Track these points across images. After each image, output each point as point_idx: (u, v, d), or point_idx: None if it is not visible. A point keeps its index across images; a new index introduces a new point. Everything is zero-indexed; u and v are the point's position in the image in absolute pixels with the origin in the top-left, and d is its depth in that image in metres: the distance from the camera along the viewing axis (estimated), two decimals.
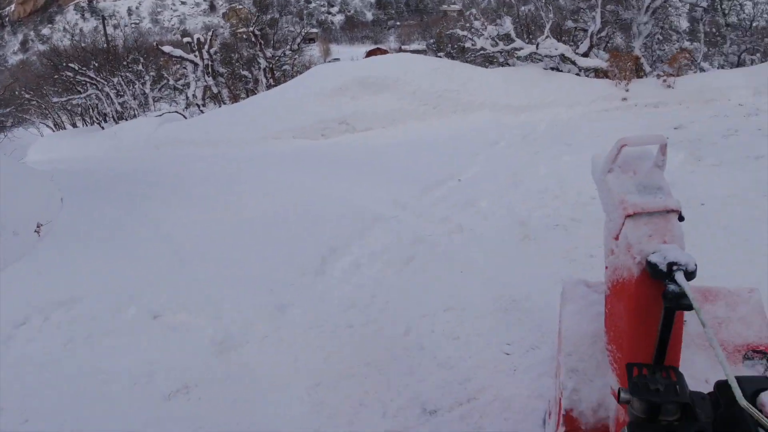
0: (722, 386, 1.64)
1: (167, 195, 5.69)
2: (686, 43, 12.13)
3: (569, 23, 11.83)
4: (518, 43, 10.37)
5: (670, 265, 1.64)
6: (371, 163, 6.75)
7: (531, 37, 11.95)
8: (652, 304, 1.91)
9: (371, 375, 3.02)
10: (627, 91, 9.71)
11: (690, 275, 1.65)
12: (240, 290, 3.86)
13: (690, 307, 1.59)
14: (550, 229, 4.74)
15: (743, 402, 1.28)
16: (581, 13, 11.73)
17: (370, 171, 6.40)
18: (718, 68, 12.20)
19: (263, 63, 17.55)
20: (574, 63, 10.44)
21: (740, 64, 12.66)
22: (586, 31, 11.00)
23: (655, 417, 1.56)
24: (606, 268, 2.05)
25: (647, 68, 10.69)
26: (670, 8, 11.78)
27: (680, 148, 6.56)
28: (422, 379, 2.96)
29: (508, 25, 10.50)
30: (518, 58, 10.85)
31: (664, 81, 9.84)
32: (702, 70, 11.54)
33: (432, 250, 4.46)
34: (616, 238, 1.92)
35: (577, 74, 10.56)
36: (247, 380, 3.06)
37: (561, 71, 10.57)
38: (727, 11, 12.55)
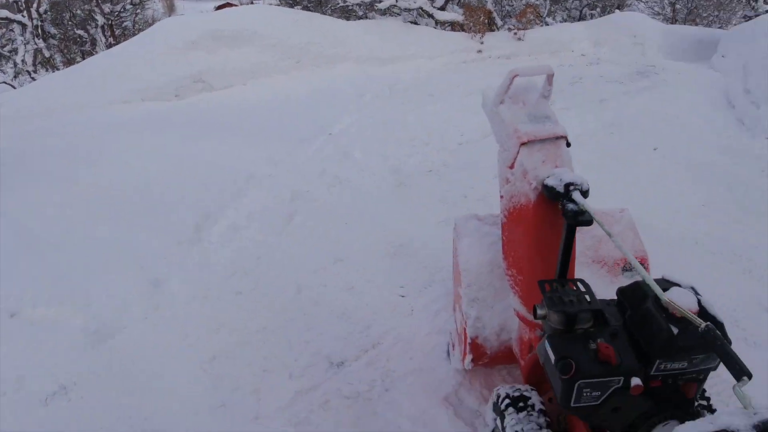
0: (626, 291, 1.79)
1: (6, 178, 4.72)
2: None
3: None
4: None
5: (567, 185, 1.71)
6: (237, 122, 6.27)
7: None
8: (550, 225, 2.00)
9: (269, 339, 2.85)
10: (482, 43, 10.20)
11: (585, 194, 1.74)
12: (108, 272, 3.38)
13: (590, 222, 1.68)
14: (423, 175, 4.88)
15: (665, 298, 1.37)
16: None
17: (237, 130, 5.94)
18: (561, 22, 13.39)
19: (100, 20, 15.39)
20: (431, 16, 10.69)
21: (581, 18, 14.04)
22: None
23: (572, 327, 1.65)
24: (501, 197, 2.10)
25: (499, 22, 11.32)
26: None
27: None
28: (322, 334, 2.87)
29: None
30: (377, 11, 10.79)
31: (515, 34, 10.53)
32: (546, 24, 12.59)
33: (312, 204, 4.32)
34: (511, 167, 1.97)
35: (435, 28, 10.84)
36: (132, 369, 2.70)
37: (419, 24, 10.76)
38: None
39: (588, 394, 1.47)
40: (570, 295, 1.62)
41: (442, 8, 10.76)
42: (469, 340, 2.27)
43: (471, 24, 10.33)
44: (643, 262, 2.33)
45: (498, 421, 1.93)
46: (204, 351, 2.77)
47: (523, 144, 1.86)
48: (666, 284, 1.64)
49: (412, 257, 3.56)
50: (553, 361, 1.52)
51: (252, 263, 3.55)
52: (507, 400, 1.87)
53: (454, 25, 10.98)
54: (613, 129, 5.66)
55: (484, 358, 2.33)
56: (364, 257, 3.55)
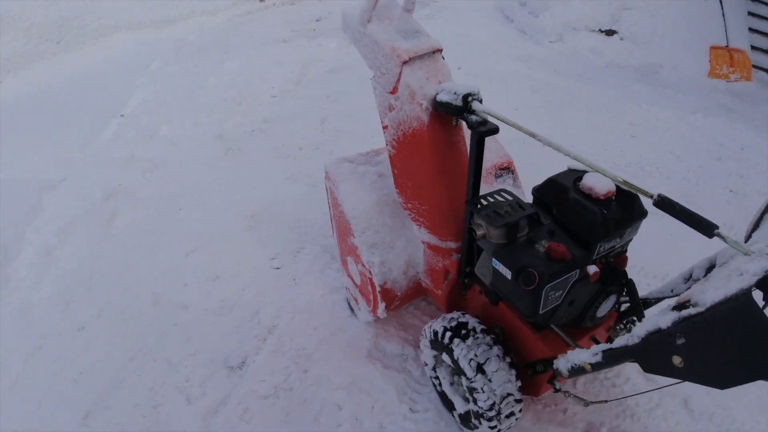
0: (543, 189, 1.74)
1: None
2: None
3: None
4: None
5: (466, 97, 1.58)
6: (3, 126, 4.93)
7: None
8: (449, 144, 1.85)
9: (146, 367, 2.33)
10: None
11: (480, 102, 1.63)
12: None
13: (497, 130, 1.59)
14: (248, 136, 4.46)
15: (620, 178, 1.28)
16: None
17: (5, 136, 4.67)
18: None
19: None
20: None
21: None
22: None
23: (514, 237, 1.57)
24: (385, 128, 1.89)
25: None
26: None
27: (330, 36, 6.96)
28: (207, 338, 2.45)
29: None
30: None
31: None
32: None
33: (131, 198, 3.60)
34: (394, 92, 1.76)
35: None
36: None
37: None
38: None
39: (552, 296, 1.43)
40: (503, 206, 1.54)
41: None
42: (378, 288, 2.10)
43: None
44: (510, 166, 2.38)
45: (444, 356, 1.83)
46: (73, 412, 2.15)
47: (405, 63, 1.66)
48: (576, 173, 1.66)
49: (272, 223, 3.22)
50: (510, 276, 1.43)
51: (84, 286, 2.85)
52: (448, 333, 1.77)
53: None
54: None
55: (396, 301, 2.20)
56: (217, 239, 3.10)
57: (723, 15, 5.80)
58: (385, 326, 2.42)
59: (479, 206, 1.56)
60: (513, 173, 2.38)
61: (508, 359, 1.72)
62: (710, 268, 1.51)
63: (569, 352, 1.48)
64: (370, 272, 2.10)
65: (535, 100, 4.64)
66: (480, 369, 1.67)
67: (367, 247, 2.08)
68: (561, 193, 1.58)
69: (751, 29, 5.92)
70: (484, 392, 1.66)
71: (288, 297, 2.64)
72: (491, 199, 1.58)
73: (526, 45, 6.04)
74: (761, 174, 3.93)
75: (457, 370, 1.79)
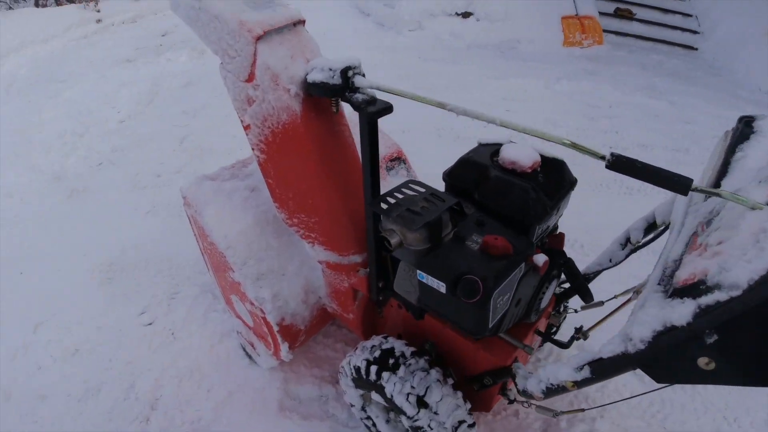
0: (455, 172, 1.45)
1: None
2: None
3: None
4: None
5: (345, 72, 1.23)
6: None
7: None
8: (330, 134, 1.48)
9: None
10: (99, 12, 8.64)
11: (363, 76, 1.30)
12: None
13: (391, 108, 1.27)
14: (95, 170, 3.82)
15: (567, 141, 0.99)
16: None
17: None
18: None
19: None
20: None
21: None
22: None
23: (439, 237, 1.24)
24: (247, 128, 1.46)
25: None
26: None
27: (179, 49, 6.52)
28: (77, 425, 1.88)
29: None
30: None
31: None
32: None
33: None
34: (251, 79, 1.37)
35: (37, 6, 8.63)
36: None
37: (14, 8, 8.40)
38: None
39: (500, 303, 1.15)
40: (416, 202, 1.22)
41: None
42: (276, 328, 1.71)
43: None
44: (400, 155, 2.10)
45: (374, 395, 1.48)
46: None
47: (258, 39, 1.27)
48: (491, 147, 1.40)
49: (134, 270, 2.67)
50: (445, 290, 1.12)
51: None
52: (374, 367, 1.43)
53: (58, 1, 8.92)
54: None
55: (300, 336, 1.82)
56: (70, 303, 2.48)
57: None
58: (294, 367, 2.02)
59: (386, 207, 1.23)
60: (405, 163, 2.11)
61: (450, 381, 1.42)
62: (649, 228, 1.33)
63: (541, 370, 1.19)
64: (261, 311, 1.69)
65: (406, 87, 4.47)
66: (421, 403, 1.35)
67: (253, 281, 1.67)
68: (479, 173, 1.32)
69: None
70: (432, 429, 1.34)
71: (168, 358, 2.14)
72: (399, 196, 1.26)
73: (387, 36, 5.93)
74: (634, 126, 4.09)
75: (393, 409, 1.45)
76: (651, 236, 1.33)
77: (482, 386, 1.44)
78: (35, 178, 3.70)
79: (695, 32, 6.17)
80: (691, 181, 0.83)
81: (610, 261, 1.43)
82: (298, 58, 1.35)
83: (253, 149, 1.50)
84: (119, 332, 2.27)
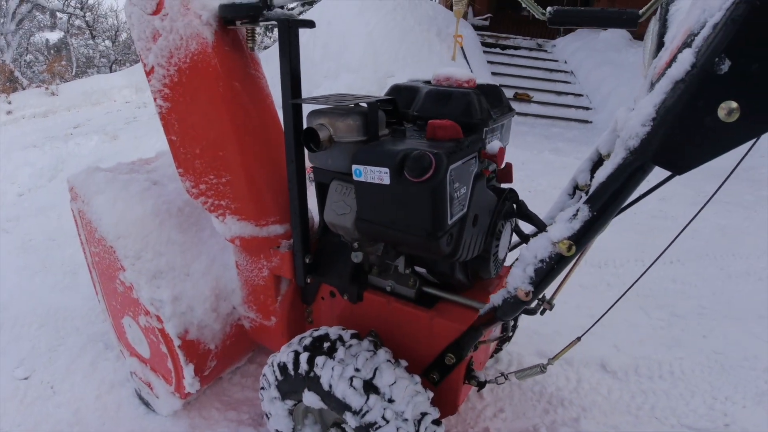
0: (388, 95, 1.29)
1: None
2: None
3: None
4: None
5: None
6: None
7: None
8: (247, 77, 1.25)
9: None
10: (10, 103, 8.37)
11: None
12: None
13: (313, 24, 1.13)
14: None
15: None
16: None
17: None
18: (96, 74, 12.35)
19: None
20: None
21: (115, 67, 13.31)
22: None
23: (376, 132, 1.03)
24: (151, 71, 1.21)
25: (24, 81, 9.46)
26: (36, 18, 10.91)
27: (90, 136, 6.21)
28: None
29: None
30: None
31: (47, 89, 9.11)
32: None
33: None
34: (159, 8, 1.16)
35: None
36: None
37: None
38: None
39: (457, 194, 0.93)
40: (344, 99, 1.03)
41: None
42: (177, 343, 1.34)
43: None
44: None
45: (307, 396, 1.13)
46: None
47: None
48: (417, 81, 1.28)
49: (14, 326, 2.21)
50: (389, 177, 0.89)
51: None
52: (305, 355, 1.11)
53: None
54: None
55: (210, 359, 1.45)
56: None
57: (471, 72, 6.61)
58: (203, 411, 1.60)
59: (312, 101, 1.04)
60: None
61: (404, 363, 1.12)
62: (596, 165, 1.21)
63: (523, 250, 0.94)
64: (158, 319, 1.34)
65: None
66: (370, 387, 1.03)
67: (148, 279, 1.34)
68: (413, 93, 1.17)
69: None
70: (387, 421, 1.01)
71: (43, 412, 1.65)
72: (323, 100, 1.08)
73: None
74: (545, 175, 4.12)
75: (334, 409, 1.10)
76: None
77: (443, 372, 1.15)
78: None
79: (588, 108, 6.81)
80: (637, 13, 0.73)
81: (561, 211, 1.28)
82: None
83: (155, 99, 1.26)
84: None
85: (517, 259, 0.97)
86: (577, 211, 0.83)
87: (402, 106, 1.21)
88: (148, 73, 1.24)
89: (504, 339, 1.52)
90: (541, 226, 1.28)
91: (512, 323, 1.49)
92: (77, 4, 12.92)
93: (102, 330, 2.05)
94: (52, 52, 13.51)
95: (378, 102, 1.06)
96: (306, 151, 1.14)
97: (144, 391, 1.62)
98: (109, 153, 5.24)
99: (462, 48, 6.28)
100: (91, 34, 13.78)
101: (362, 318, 1.28)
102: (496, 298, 1.02)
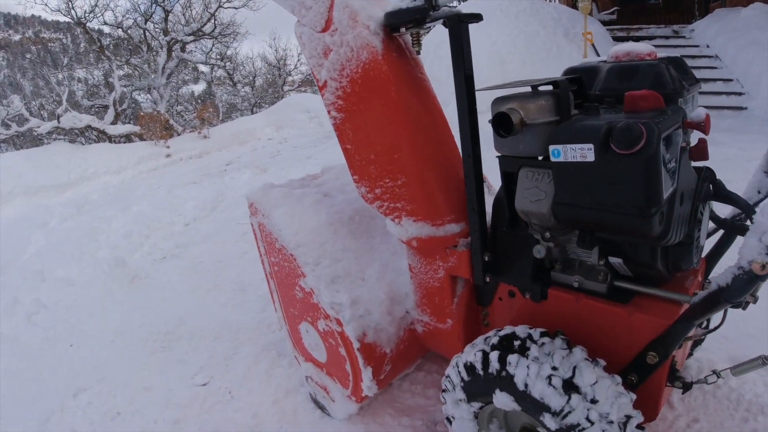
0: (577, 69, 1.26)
1: None
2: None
3: (85, 101, 10.90)
4: (34, 122, 8.55)
5: None
6: None
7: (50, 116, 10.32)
8: (415, 80, 1.25)
9: None
10: (168, 147, 9.55)
11: None
12: None
13: (481, 17, 1.14)
14: (157, 263, 3.84)
15: None
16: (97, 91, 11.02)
17: None
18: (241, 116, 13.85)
19: None
20: (104, 133, 9.46)
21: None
22: (105, 107, 10.29)
23: (568, 111, 1.00)
24: (322, 88, 1.30)
25: (178, 128, 10.82)
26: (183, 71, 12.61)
27: (242, 171, 6.87)
28: None
29: (17, 104, 8.54)
30: (39, 136, 9.02)
31: (199, 133, 10.26)
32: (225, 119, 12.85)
33: (12, 345, 2.74)
34: (328, 25, 1.22)
35: (112, 143, 9.68)
36: None
37: (92, 143, 9.46)
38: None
39: (669, 166, 0.87)
40: (527, 83, 1.01)
41: (114, 123, 9.68)
42: (356, 345, 1.38)
43: (150, 133, 9.55)
44: None
45: (499, 397, 1.08)
46: None
47: None
48: (590, 65, 1.21)
49: (191, 338, 2.44)
50: (594, 154, 0.84)
51: None
52: (495, 353, 1.07)
53: (130, 137, 9.98)
54: None
55: (386, 363, 1.46)
56: (117, 370, 2.24)
57: None
58: (377, 417, 1.62)
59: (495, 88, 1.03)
60: None
61: (602, 363, 1.03)
62: None
63: (756, 219, 0.82)
64: (338, 323, 1.39)
65: None
66: (570, 386, 0.96)
67: (327, 283, 1.40)
68: (592, 72, 1.11)
69: None
70: (592, 423, 0.93)
71: (223, 417, 1.79)
72: (503, 86, 1.06)
73: None
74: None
75: (529, 410, 1.03)
76: None
77: (644, 372, 1.04)
78: (99, 269, 3.69)
79: (740, 94, 6.02)
80: None
81: (759, 192, 1.12)
82: (374, 4, 1.24)
83: (329, 112, 1.33)
84: (168, 392, 1.96)
85: (748, 228, 0.85)
86: None
87: (582, 83, 1.15)
88: (321, 88, 1.32)
89: (697, 341, 1.34)
90: (746, 208, 1.12)
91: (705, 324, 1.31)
92: (217, 56, 14.54)
93: (274, 340, 2.20)
94: (198, 101, 15.36)
95: (567, 80, 1.01)
96: (496, 138, 1.11)
97: (320, 395, 1.69)
98: (261, 184, 5.71)
99: (593, 45, 5.94)
100: (231, 81, 15.43)
101: (546, 318, 1.21)
102: (721, 279, 0.90)
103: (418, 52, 1.24)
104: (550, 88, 1.03)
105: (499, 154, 1.14)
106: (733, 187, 1.15)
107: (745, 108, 5.82)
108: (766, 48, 6.21)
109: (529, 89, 1.05)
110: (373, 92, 1.21)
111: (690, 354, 1.59)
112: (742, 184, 3.32)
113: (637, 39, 7.74)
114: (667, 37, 7.74)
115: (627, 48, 1.12)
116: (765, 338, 1.69)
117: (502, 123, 0.99)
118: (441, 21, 1.10)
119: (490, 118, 1.04)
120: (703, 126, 0.98)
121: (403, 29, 1.20)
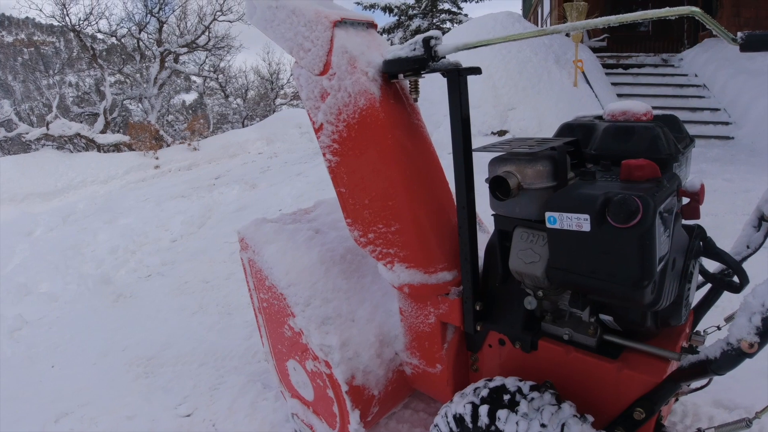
0: (560, 135, 1.26)
1: None
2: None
3: (75, 108, 10.81)
4: (23, 127, 8.44)
5: (427, 41, 1.11)
6: None
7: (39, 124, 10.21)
8: (411, 127, 1.28)
9: None
10: (157, 159, 9.49)
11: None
12: None
13: (480, 70, 1.15)
14: (143, 281, 3.77)
15: None
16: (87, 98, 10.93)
17: None
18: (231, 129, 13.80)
19: None
20: (92, 141, 9.37)
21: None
22: (95, 115, 10.21)
23: (565, 176, 1.00)
24: (318, 131, 1.31)
25: (168, 139, 10.76)
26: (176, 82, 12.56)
27: (231, 185, 6.79)
28: None
29: (7, 109, 8.44)
30: (27, 142, 8.90)
31: (189, 144, 10.21)
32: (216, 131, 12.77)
33: (1, 368, 2.63)
34: (326, 68, 1.24)
35: (100, 152, 9.58)
36: None
37: (81, 151, 9.35)
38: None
39: (662, 238, 0.89)
40: (525, 143, 1.02)
41: (103, 132, 9.60)
42: (344, 389, 1.36)
43: (139, 143, 9.49)
44: None
45: None
46: None
47: (336, 24, 1.20)
48: (585, 118, 1.22)
49: (176, 364, 2.40)
50: (589, 224, 0.85)
51: None
52: (484, 408, 1.07)
53: (119, 147, 9.90)
54: (322, 185, 5.62)
55: (374, 405, 1.45)
56: (99, 396, 2.19)
57: (596, 96, 6.28)
58: None
59: (493, 148, 1.04)
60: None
61: (590, 419, 1.03)
62: None
63: (746, 301, 0.84)
64: (327, 365, 1.37)
65: None
66: None
67: (317, 324, 1.39)
68: (587, 130, 1.12)
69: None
70: None
71: None
72: (500, 146, 1.07)
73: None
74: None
75: None
76: None
77: (630, 428, 1.04)
78: (83, 285, 3.64)
79: (727, 123, 6.15)
80: None
81: (748, 247, 1.14)
82: (373, 49, 1.25)
83: (324, 155, 1.33)
84: (152, 422, 1.92)
85: (738, 309, 0.86)
86: None
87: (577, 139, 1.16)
88: (317, 130, 1.32)
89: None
90: (733, 265, 1.14)
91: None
92: (210, 68, 14.55)
93: (259, 370, 2.18)
94: (189, 111, 15.36)
95: (564, 143, 1.03)
96: (492, 199, 1.12)
97: None
98: (250, 200, 5.69)
99: (584, 72, 6.04)
100: (223, 93, 15.43)
101: (535, 367, 1.21)
102: (710, 350, 0.91)
103: (416, 100, 1.25)
104: (549, 146, 1.04)
105: (495, 213, 1.15)
106: (719, 220, 1.18)
107: (732, 137, 5.95)
108: (754, 77, 6.36)
109: (527, 148, 1.06)
110: (370, 138, 1.22)
111: (675, 399, 1.60)
112: (728, 218, 3.36)
113: (627, 67, 7.90)
114: (656, 66, 7.91)
115: (623, 107, 1.14)
116: (750, 382, 1.71)
117: (499, 186, 1.00)
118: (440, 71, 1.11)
119: (487, 177, 1.05)
120: (698, 196, 0.99)
121: (401, 76, 1.21)
